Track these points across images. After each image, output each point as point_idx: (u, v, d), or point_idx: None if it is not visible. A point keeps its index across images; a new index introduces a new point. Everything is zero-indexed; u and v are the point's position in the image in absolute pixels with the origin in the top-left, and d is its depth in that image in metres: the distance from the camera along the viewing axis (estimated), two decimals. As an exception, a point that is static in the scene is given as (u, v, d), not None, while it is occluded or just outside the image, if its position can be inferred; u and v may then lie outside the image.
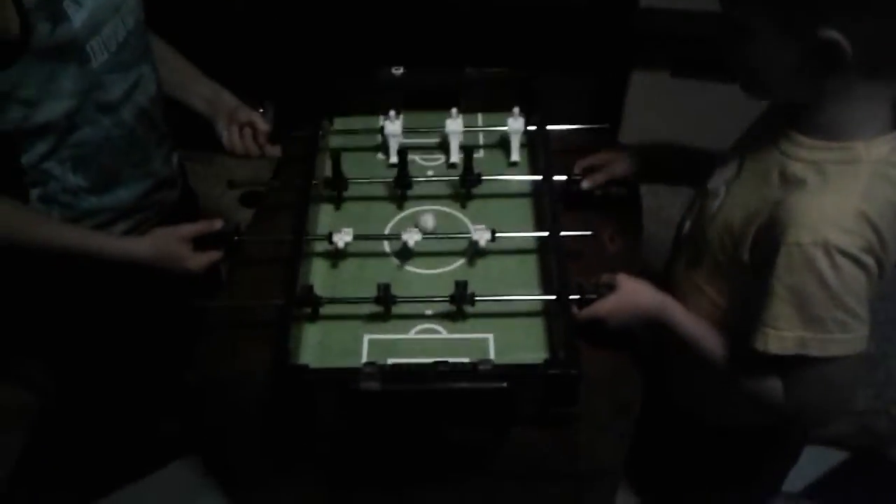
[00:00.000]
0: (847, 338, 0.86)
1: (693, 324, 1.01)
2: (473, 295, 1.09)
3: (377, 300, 1.10)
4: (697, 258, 1.05)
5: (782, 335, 0.88)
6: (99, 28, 1.12)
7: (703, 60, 1.86)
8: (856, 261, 0.83)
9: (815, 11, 0.78)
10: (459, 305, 1.11)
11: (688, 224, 1.10)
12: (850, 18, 0.77)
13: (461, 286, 1.09)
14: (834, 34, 0.78)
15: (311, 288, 1.11)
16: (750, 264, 0.94)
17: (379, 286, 1.09)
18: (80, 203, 1.21)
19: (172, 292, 1.21)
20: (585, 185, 1.26)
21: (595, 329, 1.06)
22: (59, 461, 1.56)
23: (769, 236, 0.88)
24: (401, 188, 1.28)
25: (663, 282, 1.13)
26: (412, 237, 1.17)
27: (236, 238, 1.20)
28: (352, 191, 1.30)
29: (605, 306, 1.04)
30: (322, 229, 1.23)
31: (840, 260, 0.83)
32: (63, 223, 1.19)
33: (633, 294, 1.04)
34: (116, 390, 1.40)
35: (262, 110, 1.38)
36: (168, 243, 1.18)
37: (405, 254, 1.21)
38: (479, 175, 1.26)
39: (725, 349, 0.99)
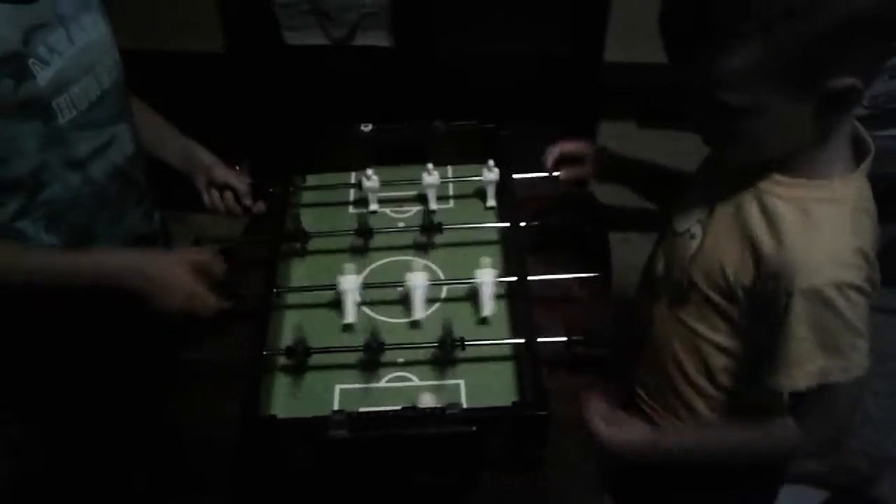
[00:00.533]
0: (860, 360, 0.90)
1: (680, 436, 1.07)
2: (463, 339, 1.10)
3: (366, 349, 1.10)
4: (682, 298, 1.06)
5: (808, 371, 0.91)
6: (67, 86, 1.13)
7: (669, 110, 1.91)
8: (862, 291, 0.88)
9: (828, 66, 0.80)
10: (450, 350, 1.11)
11: (661, 265, 1.12)
12: (857, 61, 0.80)
13: (447, 331, 1.10)
14: (848, 80, 0.80)
15: (301, 339, 1.12)
16: (748, 304, 0.97)
17: (370, 340, 1.10)
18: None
19: (147, 342, 1.21)
20: (563, 176, 1.30)
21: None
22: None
23: (775, 286, 0.91)
24: (364, 238, 1.31)
25: (637, 323, 1.16)
26: (356, 290, 1.19)
27: (238, 292, 1.19)
28: (324, 244, 1.33)
29: (596, 432, 1.06)
30: (295, 282, 1.25)
31: (851, 294, 0.87)
32: (50, 249, 1.18)
33: (620, 425, 1.06)
34: (88, 442, 1.39)
35: (237, 167, 1.42)
36: (174, 265, 1.14)
37: (371, 303, 1.23)
38: (440, 225, 1.29)
39: (724, 430, 1.03)
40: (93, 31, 1.19)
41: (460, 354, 1.13)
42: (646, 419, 1.17)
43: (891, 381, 1.97)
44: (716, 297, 1.00)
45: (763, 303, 0.94)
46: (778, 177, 0.92)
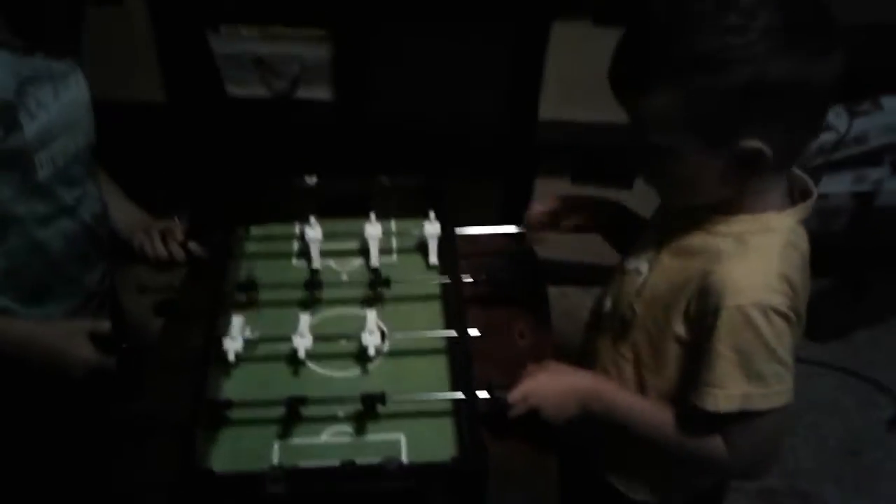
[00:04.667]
0: (783, 389, 0.94)
1: (628, 396, 1.08)
2: (384, 394, 1.11)
3: (287, 404, 1.10)
4: (624, 332, 1.10)
5: (729, 393, 0.94)
6: (49, 142, 1.14)
7: (601, 168, 1.98)
8: (784, 316, 0.92)
9: (737, 126, 0.87)
10: (371, 406, 1.12)
11: (608, 302, 1.15)
12: (766, 127, 0.87)
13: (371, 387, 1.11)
14: (755, 143, 0.87)
15: (221, 397, 1.10)
16: (684, 332, 1.01)
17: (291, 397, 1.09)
18: (11, 314, 1.20)
19: (84, 400, 1.19)
20: (565, 226, 1.28)
21: (521, 421, 1.09)
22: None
23: (704, 305, 0.95)
24: (311, 291, 1.31)
25: (580, 364, 1.18)
26: (303, 342, 1.18)
27: (124, 346, 1.20)
28: (267, 296, 1.32)
29: (537, 382, 1.08)
30: (235, 335, 1.24)
31: (773, 317, 0.92)
32: None
33: (564, 371, 1.10)
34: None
35: (176, 219, 1.41)
36: (70, 330, 1.17)
37: (314, 357, 1.22)
38: (388, 280, 1.30)
39: (665, 416, 1.04)
40: (76, 89, 1.20)
41: (400, 409, 1.13)
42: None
43: (819, 432, 2.04)
44: (657, 333, 1.05)
45: (694, 326, 0.98)
46: (720, 217, 0.98)
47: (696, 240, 1.00)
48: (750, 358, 0.93)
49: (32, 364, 1.17)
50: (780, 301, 0.92)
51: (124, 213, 1.39)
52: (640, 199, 1.17)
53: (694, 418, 0.99)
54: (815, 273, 0.99)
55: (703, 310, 0.96)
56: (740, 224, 0.97)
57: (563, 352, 1.30)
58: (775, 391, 0.94)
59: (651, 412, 1.05)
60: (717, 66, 0.83)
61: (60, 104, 1.16)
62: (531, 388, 1.08)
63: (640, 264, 1.09)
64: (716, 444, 1.00)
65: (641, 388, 1.09)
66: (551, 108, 1.97)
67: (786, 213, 0.97)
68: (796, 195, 0.99)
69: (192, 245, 1.37)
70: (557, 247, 1.36)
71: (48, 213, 1.18)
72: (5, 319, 1.19)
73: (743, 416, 0.95)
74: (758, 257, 0.94)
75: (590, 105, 1.82)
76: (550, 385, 1.09)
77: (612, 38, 0.91)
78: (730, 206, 0.97)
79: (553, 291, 1.59)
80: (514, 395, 1.08)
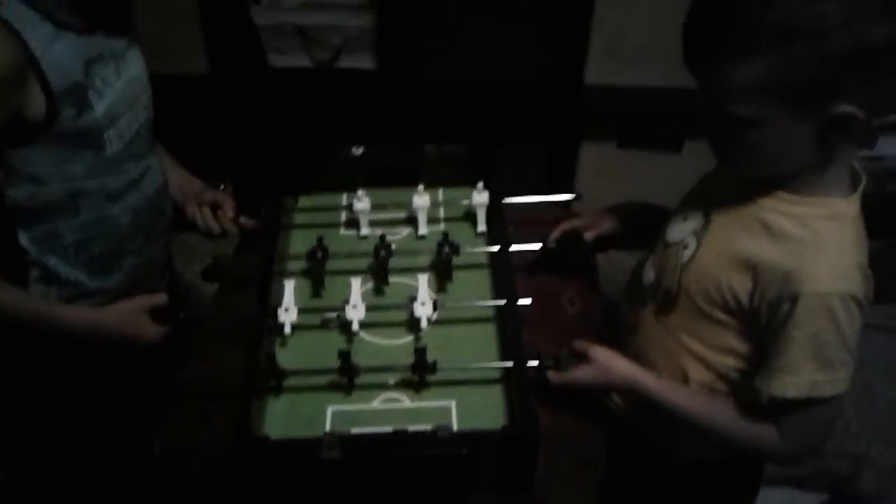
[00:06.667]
0: (846, 376, 0.94)
1: (673, 388, 1.07)
2: (435, 363, 1.12)
3: (339, 371, 1.12)
4: (669, 306, 1.09)
5: (799, 379, 0.94)
6: (116, 119, 1.17)
7: (647, 132, 1.95)
8: (860, 305, 0.92)
9: (829, 91, 0.84)
10: (421, 374, 1.13)
11: (651, 275, 1.13)
12: (860, 91, 0.84)
13: (421, 355, 1.12)
14: (848, 107, 0.84)
15: (272, 360, 1.12)
16: (738, 310, 0.99)
17: (341, 354, 1.11)
18: (79, 285, 1.24)
19: (139, 367, 1.22)
20: (589, 235, 1.30)
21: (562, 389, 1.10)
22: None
23: (779, 291, 0.94)
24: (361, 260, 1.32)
25: (621, 333, 1.18)
26: (356, 313, 1.19)
27: (182, 315, 1.25)
28: (317, 265, 1.32)
29: (582, 379, 1.08)
30: (289, 306, 1.26)
31: (852, 306, 0.91)
32: (30, 294, 1.21)
33: (607, 368, 1.08)
34: (83, 466, 1.39)
35: (222, 188, 1.43)
36: (130, 313, 1.21)
37: (366, 325, 1.23)
38: (458, 246, 1.30)
39: (712, 405, 1.04)
40: (135, 65, 1.23)
41: (450, 377, 1.14)
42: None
43: (870, 393, 2.01)
44: (706, 307, 1.03)
45: (762, 312, 0.97)
46: (783, 194, 0.96)
47: (754, 218, 0.98)
48: (823, 347, 0.92)
49: (99, 345, 1.22)
50: (858, 290, 0.91)
51: (177, 181, 1.42)
52: (688, 163, 1.15)
53: (750, 404, 0.99)
54: (870, 235, 0.97)
55: (778, 296, 0.94)
56: (804, 207, 0.95)
57: (608, 317, 1.30)
58: (840, 378, 0.94)
59: (699, 401, 1.05)
60: (815, 32, 0.80)
61: (123, 82, 1.19)
62: (575, 383, 1.09)
63: (687, 238, 1.06)
64: (767, 430, 0.99)
65: (684, 362, 1.08)
66: (597, 72, 1.94)
67: (850, 200, 0.95)
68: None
69: (244, 219, 1.39)
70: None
71: (117, 188, 1.22)
72: (67, 309, 1.22)
73: (805, 404, 0.94)
74: (834, 248, 0.92)
75: (636, 68, 1.80)
76: (594, 380, 1.08)
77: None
78: (798, 184, 0.94)
79: (598, 256, 1.58)
80: (558, 381, 1.09)
